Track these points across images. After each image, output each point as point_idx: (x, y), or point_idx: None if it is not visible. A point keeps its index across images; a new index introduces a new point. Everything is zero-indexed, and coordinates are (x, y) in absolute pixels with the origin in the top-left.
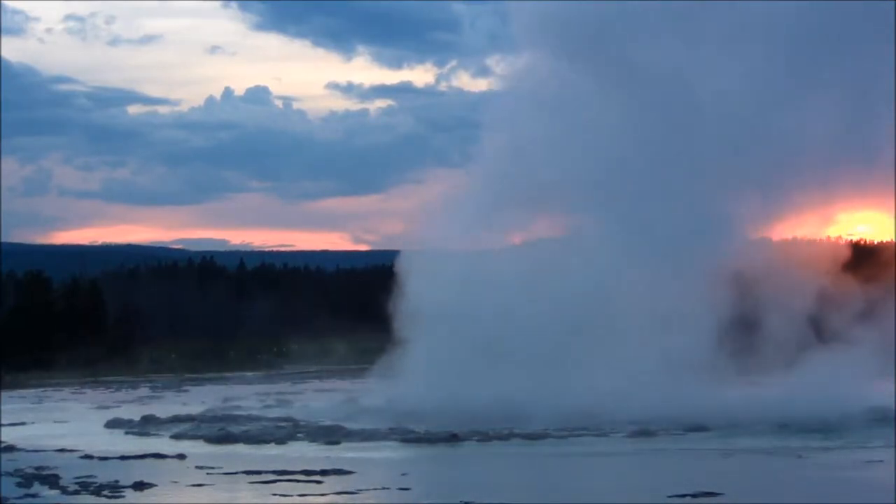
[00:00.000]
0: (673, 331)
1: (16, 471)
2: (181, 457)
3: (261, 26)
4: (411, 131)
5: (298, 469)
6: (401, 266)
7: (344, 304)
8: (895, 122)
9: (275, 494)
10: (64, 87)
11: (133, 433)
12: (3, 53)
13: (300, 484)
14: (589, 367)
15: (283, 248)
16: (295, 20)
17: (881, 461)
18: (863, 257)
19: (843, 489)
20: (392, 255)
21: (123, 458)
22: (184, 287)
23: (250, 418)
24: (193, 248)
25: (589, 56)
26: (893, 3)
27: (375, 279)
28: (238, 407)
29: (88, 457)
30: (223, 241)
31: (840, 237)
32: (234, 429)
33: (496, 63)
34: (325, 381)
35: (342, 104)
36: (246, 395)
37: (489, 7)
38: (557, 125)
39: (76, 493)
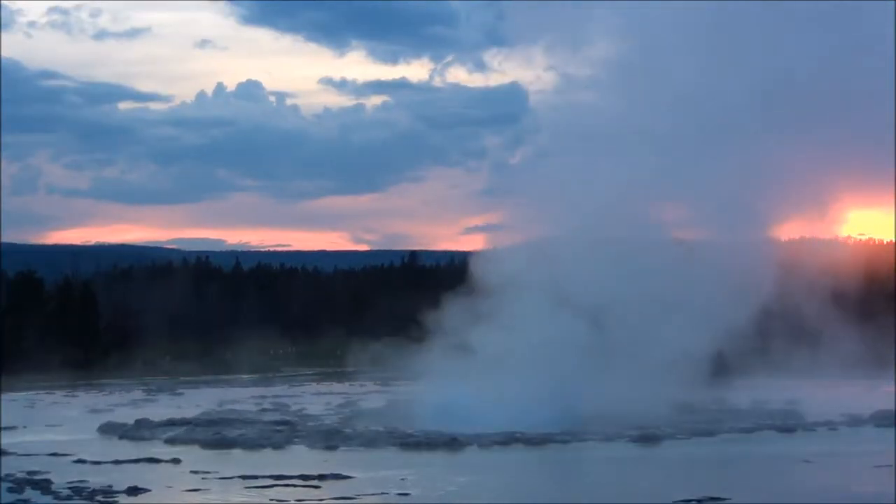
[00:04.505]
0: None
1: (7, 476)
2: (176, 461)
3: (250, 20)
4: (408, 128)
5: (296, 474)
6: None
7: (342, 305)
8: (895, 121)
9: (272, 500)
10: (51, 82)
11: (127, 437)
12: None
13: (297, 489)
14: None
15: (280, 248)
16: (286, 13)
17: (889, 466)
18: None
19: (848, 493)
20: (392, 254)
21: (117, 462)
22: (179, 288)
23: (246, 422)
24: (189, 248)
25: None
26: (894, 2)
27: (375, 279)
28: (234, 410)
29: (81, 461)
30: (219, 241)
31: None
32: (230, 433)
33: (493, 58)
34: (322, 384)
35: (336, 100)
36: (242, 398)
37: (486, 1)
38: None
39: (69, 498)
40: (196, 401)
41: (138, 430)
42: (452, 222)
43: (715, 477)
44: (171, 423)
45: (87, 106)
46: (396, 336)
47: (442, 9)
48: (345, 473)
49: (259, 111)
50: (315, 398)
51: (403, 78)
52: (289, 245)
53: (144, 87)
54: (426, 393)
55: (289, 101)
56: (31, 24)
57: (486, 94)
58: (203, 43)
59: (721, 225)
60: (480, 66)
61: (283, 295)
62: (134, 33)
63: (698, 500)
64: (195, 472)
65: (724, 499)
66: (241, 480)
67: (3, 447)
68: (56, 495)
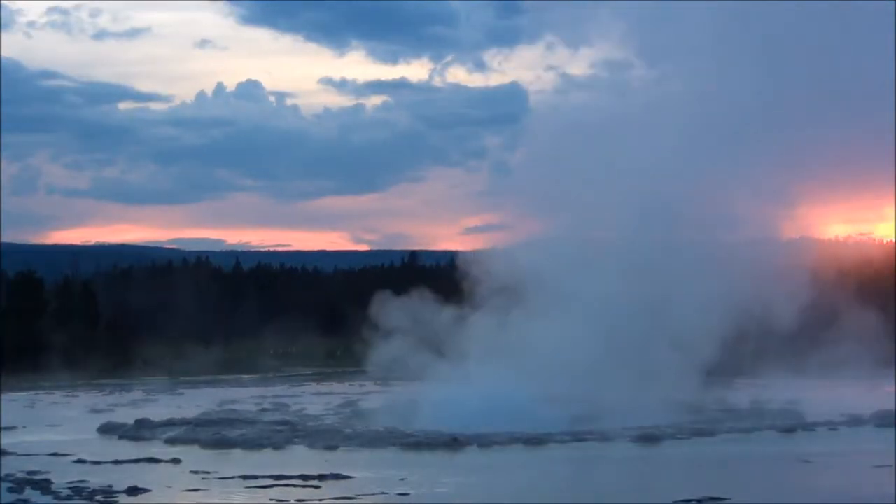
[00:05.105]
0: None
1: (7, 476)
2: (176, 461)
3: (250, 20)
4: (408, 128)
5: (296, 474)
6: None
7: (342, 305)
8: (895, 123)
9: (272, 500)
10: (51, 82)
11: (127, 437)
12: None
13: (297, 489)
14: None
15: (280, 248)
16: (286, 13)
17: (889, 466)
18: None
19: (848, 493)
20: (392, 254)
21: (117, 462)
22: (179, 288)
23: (247, 422)
24: (189, 248)
25: None
26: (894, 2)
27: (375, 279)
28: (234, 410)
29: (81, 461)
30: (219, 241)
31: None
32: (230, 433)
33: (493, 58)
34: (322, 384)
35: (336, 100)
36: (242, 398)
37: (486, 1)
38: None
39: (69, 498)
40: (196, 401)
41: (138, 430)
42: (452, 222)
43: (715, 477)
44: (171, 423)
45: (87, 106)
46: (394, 336)
47: (442, 9)
48: (345, 473)
49: (259, 111)
50: (315, 398)
51: (403, 78)
52: (289, 245)
53: (144, 87)
54: (427, 393)
55: (289, 101)
56: (31, 24)
57: (486, 94)
58: (203, 43)
59: (729, 224)
60: (480, 66)
61: (283, 295)
62: (134, 33)
63: (698, 500)
64: (195, 472)
65: (724, 499)
66: (241, 480)
67: (3, 447)
68: (56, 495)
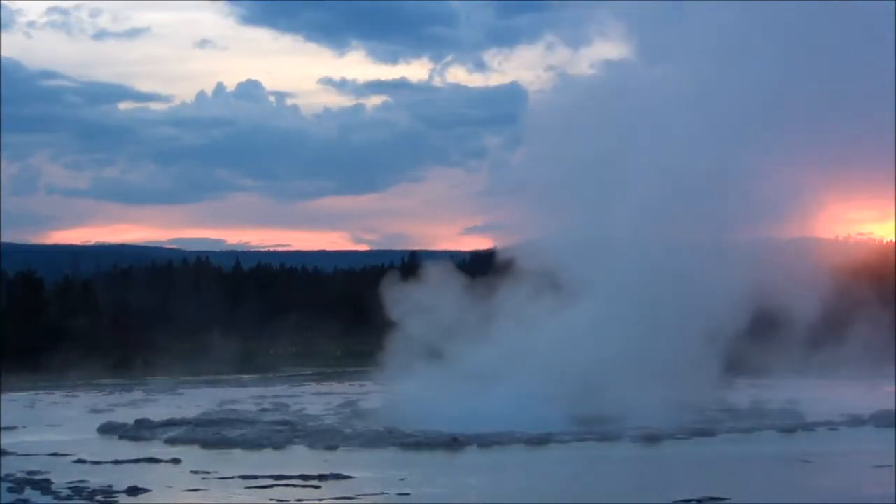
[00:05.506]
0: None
1: (7, 476)
2: (176, 461)
3: (250, 20)
4: (408, 128)
5: (296, 474)
6: None
7: (342, 305)
8: (895, 122)
9: (272, 499)
10: (51, 82)
11: (127, 437)
12: None
13: (297, 489)
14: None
15: (280, 248)
16: (286, 13)
17: (889, 466)
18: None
19: (847, 493)
20: (392, 254)
21: (117, 462)
22: (179, 288)
23: (246, 422)
24: (189, 248)
25: None
26: (894, 2)
27: (375, 279)
28: (234, 410)
29: (81, 461)
30: (219, 241)
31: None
32: (230, 433)
33: (493, 58)
34: (322, 384)
35: (336, 100)
36: (242, 398)
37: (486, 1)
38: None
39: (69, 498)
40: (196, 401)
41: (138, 430)
42: (452, 222)
43: (715, 477)
44: (171, 423)
45: (87, 106)
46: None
47: (442, 9)
48: (345, 473)
49: (259, 111)
50: (315, 398)
51: (403, 78)
52: (289, 245)
53: (144, 87)
54: (427, 392)
55: (289, 101)
56: (31, 24)
57: (486, 94)
58: (203, 43)
59: (729, 224)
60: (480, 66)
61: (283, 295)
62: (134, 33)
63: (698, 500)
64: (195, 472)
65: (724, 499)
66: (241, 480)
67: (3, 447)
68: (56, 495)
